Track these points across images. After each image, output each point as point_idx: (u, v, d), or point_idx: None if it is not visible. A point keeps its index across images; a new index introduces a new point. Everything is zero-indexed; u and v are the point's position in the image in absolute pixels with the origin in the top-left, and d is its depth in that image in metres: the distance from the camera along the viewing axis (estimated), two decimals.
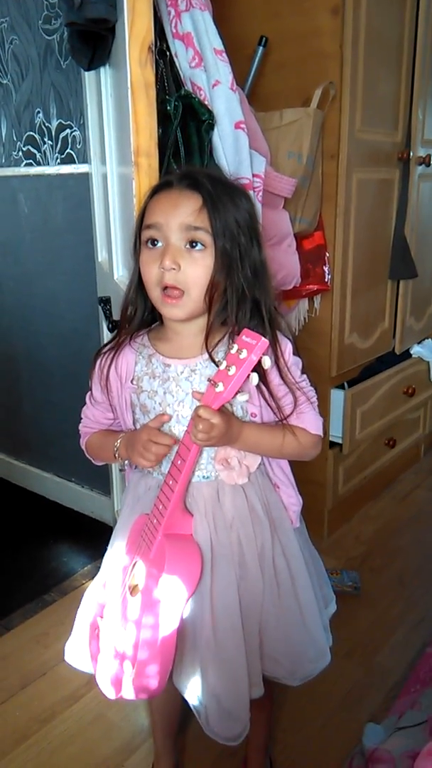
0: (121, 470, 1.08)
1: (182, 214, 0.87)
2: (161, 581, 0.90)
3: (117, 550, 1.03)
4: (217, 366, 0.87)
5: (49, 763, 1.28)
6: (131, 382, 0.97)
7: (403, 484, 2.34)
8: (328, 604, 1.14)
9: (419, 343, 2.29)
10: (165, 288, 0.89)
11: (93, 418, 1.06)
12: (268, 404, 0.93)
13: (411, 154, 1.89)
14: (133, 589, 0.96)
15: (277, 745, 1.29)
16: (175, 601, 0.91)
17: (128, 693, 0.93)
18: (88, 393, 1.05)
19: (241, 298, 0.90)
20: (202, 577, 0.93)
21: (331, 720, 1.35)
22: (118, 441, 0.99)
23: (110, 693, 0.95)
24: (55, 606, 1.71)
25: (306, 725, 1.34)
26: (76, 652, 1.04)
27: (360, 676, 1.46)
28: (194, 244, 0.87)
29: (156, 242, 0.89)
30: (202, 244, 0.87)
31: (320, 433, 0.99)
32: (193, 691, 0.97)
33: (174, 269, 0.87)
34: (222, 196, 0.89)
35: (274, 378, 0.93)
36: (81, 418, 1.08)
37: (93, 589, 1.06)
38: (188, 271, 0.88)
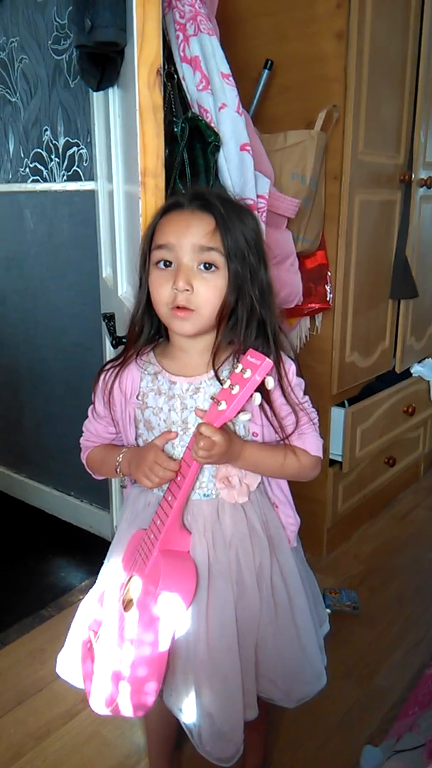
0: (122, 487, 1.07)
1: (195, 235, 0.88)
2: (160, 598, 0.89)
3: (113, 565, 1.03)
4: (222, 384, 0.87)
5: None
6: (136, 397, 0.98)
7: (402, 503, 2.34)
8: (322, 623, 1.13)
9: (419, 362, 2.30)
10: (176, 307, 0.89)
11: (95, 432, 1.06)
12: (271, 423, 0.94)
13: (413, 176, 1.92)
14: (127, 604, 0.95)
15: (273, 765, 1.28)
16: (171, 617, 0.91)
17: (126, 711, 0.93)
18: (91, 407, 1.05)
19: (250, 317, 0.91)
20: (199, 595, 0.93)
21: (328, 741, 1.34)
22: (120, 456, 0.99)
23: (104, 710, 0.94)
24: (52, 621, 1.70)
25: (303, 746, 1.33)
26: (67, 666, 1.04)
27: (358, 697, 1.45)
28: (208, 266, 0.88)
29: (168, 263, 0.90)
30: (215, 266, 0.88)
31: (320, 454, 0.99)
32: (186, 710, 0.96)
33: (187, 290, 0.88)
34: (232, 216, 0.90)
35: (277, 398, 0.93)
36: (82, 432, 1.08)
37: (87, 602, 1.06)
38: (201, 292, 0.88)
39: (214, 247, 0.87)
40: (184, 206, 0.91)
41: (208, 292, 0.88)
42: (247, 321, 0.91)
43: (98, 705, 0.95)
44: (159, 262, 0.91)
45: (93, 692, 0.95)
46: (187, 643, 0.94)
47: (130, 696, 0.92)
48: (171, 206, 0.93)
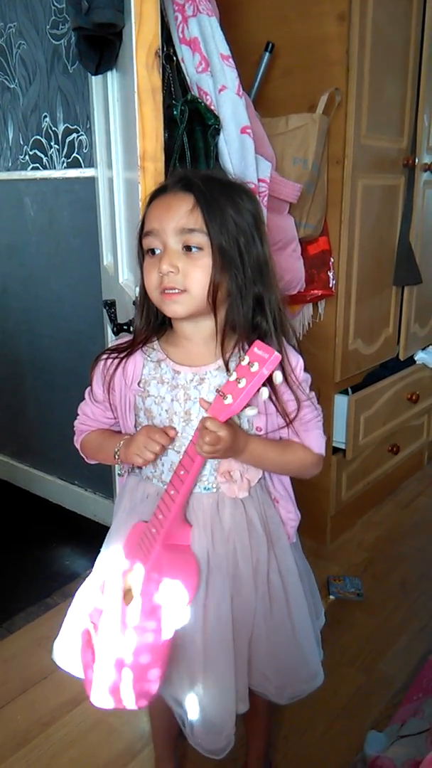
0: (119, 475, 1.06)
1: (176, 217, 0.86)
2: (162, 586, 0.89)
3: (112, 554, 1.02)
4: (228, 375, 0.85)
5: (50, 767, 1.27)
6: (138, 384, 0.96)
7: (406, 490, 2.34)
8: (318, 616, 1.13)
9: (423, 349, 2.28)
10: (165, 290, 0.88)
11: (92, 416, 1.04)
12: (278, 411, 0.92)
13: (417, 160, 1.90)
14: (126, 594, 0.95)
15: (278, 752, 1.29)
16: (173, 606, 0.90)
17: (128, 701, 0.92)
18: (88, 389, 1.03)
19: (245, 296, 0.89)
20: (198, 589, 0.92)
21: (332, 727, 1.34)
22: (120, 443, 0.97)
23: (107, 703, 0.94)
24: (57, 609, 1.71)
25: (307, 732, 1.33)
26: (65, 654, 1.03)
27: (362, 684, 1.45)
28: (191, 248, 0.86)
29: (155, 251, 0.89)
30: (198, 247, 0.86)
31: (323, 452, 0.98)
32: (179, 701, 0.96)
33: (172, 272, 0.86)
34: (217, 194, 0.87)
35: (284, 392, 0.91)
36: (77, 414, 1.06)
37: (85, 590, 1.05)
38: (187, 272, 0.86)
39: (196, 228, 0.85)
40: (167, 190, 0.90)
41: (196, 272, 0.86)
42: (241, 299, 0.88)
43: (99, 696, 0.94)
44: (148, 250, 0.90)
45: (95, 682, 0.94)
46: (183, 635, 0.94)
47: (132, 683, 0.91)
48: (157, 192, 0.92)
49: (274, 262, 0.92)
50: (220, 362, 0.91)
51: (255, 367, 0.81)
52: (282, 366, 0.88)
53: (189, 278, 0.87)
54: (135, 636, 0.90)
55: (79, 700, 1.41)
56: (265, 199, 1.38)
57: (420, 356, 2.26)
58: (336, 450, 1.93)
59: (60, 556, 1.97)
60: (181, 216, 0.86)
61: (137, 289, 1.06)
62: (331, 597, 1.73)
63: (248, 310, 0.89)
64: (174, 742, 1.22)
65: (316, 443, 0.97)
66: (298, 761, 1.27)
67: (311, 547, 1.95)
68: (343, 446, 1.92)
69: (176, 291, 0.87)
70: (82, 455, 1.07)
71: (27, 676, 1.49)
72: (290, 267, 1.59)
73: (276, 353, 0.80)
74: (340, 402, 1.89)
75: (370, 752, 1.13)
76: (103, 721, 1.37)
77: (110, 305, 1.36)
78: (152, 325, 0.97)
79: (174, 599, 0.90)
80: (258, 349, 0.81)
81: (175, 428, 0.93)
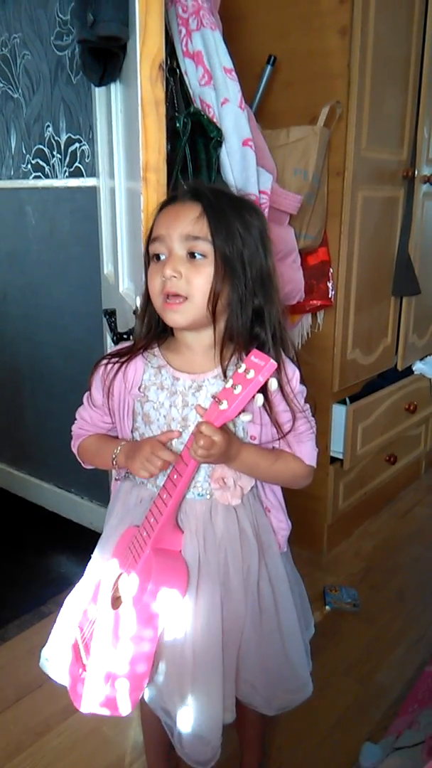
0: (116, 479, 1.06)
1: (182, 224, 0.88)
2: (159, 594, 0.89)
3: (104, 560, 1.02)
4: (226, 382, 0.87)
5: None
6: (138, 389, 0.97)
7: (403, 500, 2.34)
8: (308, 627, 1.13)
9: (421, 359, 2.29)
10: (168, 296, 0.89)
11: (90, 420, 1.04)
12: (272, 421, 0.93)
13: (416, 172, 1.91)
14: (115, 602, 0.95)
15: (272, 762, 1.28)
16: (168, 613, 0.91)
17: (124, 708, 0.92)
18: (86, 394, 1.04)
19: (244, 307, 0.90)
20: (188, 596, 0.92)
21: (328, 739, 1.34)
22: (118, 449, 0.98)
23: (101, 711, 0.93)
24: (52, 617, 1.68)
25: (302, 743, 1.33)
26: (52, 662, 1.04)
27: (358, 694, 1.45)
28: (194, 255, 0.88)
29: (160, 256, 0.90)
30: (202, 255, 0.88)
31: (314, 464, 0.99)
32: (168, 711, 0.96)
33: (175, 277, 0.88)
34: (225, 206, 0.89)
35: (278, 403, 0.93)
36: (75, 419, 1.07)
37: (74, 597, 1.05)
38: (190, 278, 0.88)
39: (201, 236, 0.87)
40: (177, 199, 0.92)
41: (199, 278, 0.88)
42: (241, 310, 0.90)
43: (91, 706, 0.94)
44: (154, 256, 0.91)
45: (85, 694, 0.94)
46: (173, 643, 0.94)
47: (129, 693, 0.91)
48: (167, 201, 0.94)
49: (277, 277, 0.94)
50: (219, 370, 0.93)
51: (251, 374, 0.82)
52: (278, 375, 0.89)
53: (191, 284, 0.88)
54: (131, 646, 0.90)
55: (73, 709, 1.37)
56: (266, 210, 1.39)
57: (418, 366, 2.27)
58: (333, 460, 1.93)
59: (55, 563, 1.96)
60: (188, 223, 0.88)
61: (138, 298, 1.07)
62: (328, 607, 1.72)
63: (247, 320, 0.91)
64: (166, 753, 1.21)
65: (308, 455, 0.98)
66: None
67: (308, 556, 1.95)
68: (340, 456, 1.92)
69: (179, 300, 0.89)
70: (79, 460, 1.08)
71: (21, 684, 1.48)
72: (290, 277, 1.60)
73: (272, 361, 0.82)
74: (338, 412, 1.89)
75: (366, 764, 1.13)
76: (97, 730, 1.36)
77: (110, 314, 1.37)
78: (153, 332, 0.98)
79: (169, 607, 0.90)
80: (255, 357, 0.83)
81: (179, 431, 0.93)
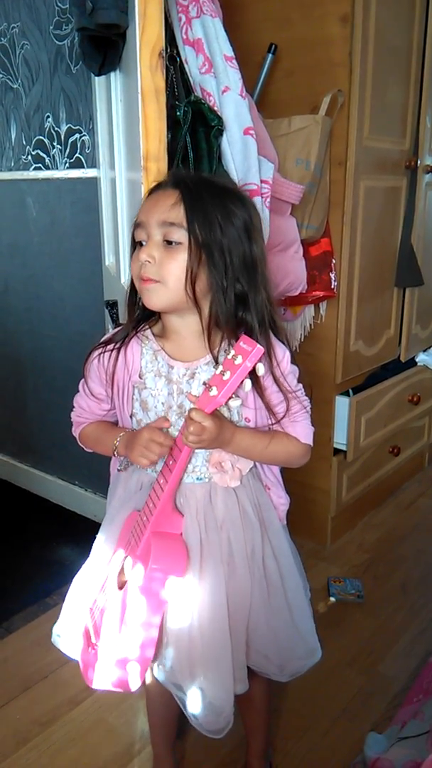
0: (118, 470, 1.08)
1: (159, 211, 0.89)
2: (168, 583, 0.91)
3: (109, 544, 1.05)
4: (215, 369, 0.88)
5: (49, 767, 1.27)
6: (138, 376, 0.98)
7: (407, 492, 2.33)
8: (306, 591, 1.15)
9: (425, 351, 2.28)
10: (143, 280, 0.91)
11: (88, 408, 1.06)
12: (264, 404, 0.94)
13: (419, 162, 1.90)
14: (121, 584, 0.97)
15: (278, 753, 1.29)
16: (170, 594, 0.93)
17: (134, 686, 0.96)
18: (82, 381, 1.05)
19: (226, 292, 0.90)
20: (191, 577, 0.95)
21: (332, 728, 1.34)
22: (118, 439, 0.99)
23: (111, 688, 0.97)
24: (57, 609, 1.69)
25: (307, 733, 1.33)
26: (64, 638, 1.07)
27: (362, 685, 1.45)
28: (170, 242, 0.89)
29: (142, 243, 0.92)
30: (177, 242, 0.88)
31: (311, 443, 1.00)
32: (179, 686, 0.99)
33: (149, 262, 0.89)
34: (204, 194, 0.90)
35: (269, 385, 0.94)
36: (73, 406, 1.08)
37: (81, 577, 1.08)
38: (162, 263, 0.89)
39: (176, 222, 0.88)
40: (160, 187, 0.93)
41: (172, 264, 0.89)
42: (224, 295, 0.90)
43: (102, 683, 0.97)
44: (138, 242, 0.93)
45: (96, 674, 0.96)
46: (180, 622, 0.96)
47: (140, 674, 0.95)
48: (153, 188, 0.95)
49: (266, 265, 0.94)
50: (210, 356, 0.94)
51: (239, 360, 0.85)
52: (267, 358, 0.92)
53: (164, 269, 0.89)
54: (141, 631, 0.93)
55: (79, 699, 1.41)
56: (268, 200, 1.38)
57: (421, 358, 2.27)
58: (337, 451, 1.93)
59: (59, 556, 1.97)
60: (165, 210, 0.89)
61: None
62: (332, 598, 1.73)
63: (230, 305, 0.91)
64: (172, 742, 1.23)
65: (303, 433, 0.99)
66: (298, 762, 1.27)
67: (312, 548, 1.95)
68: (344, 447, 1.92)
69: (152, 284, 0.90)
70: (81, 445, 1.10)
71: (26, 675, 1.49)
72: (292, 268, 1.59)
73: (258, 346, 0.84)
74: (341, 403, 1.89)
75: (370, 754, 1.13)
76: (103, 720, 1.37)
77: (112, 305, 1.37)
78: (140, 314, 0.99)
79: (174, 591, 0.93)
80: (243, 343, 0.86)
81: (167, 419, 0.95)
